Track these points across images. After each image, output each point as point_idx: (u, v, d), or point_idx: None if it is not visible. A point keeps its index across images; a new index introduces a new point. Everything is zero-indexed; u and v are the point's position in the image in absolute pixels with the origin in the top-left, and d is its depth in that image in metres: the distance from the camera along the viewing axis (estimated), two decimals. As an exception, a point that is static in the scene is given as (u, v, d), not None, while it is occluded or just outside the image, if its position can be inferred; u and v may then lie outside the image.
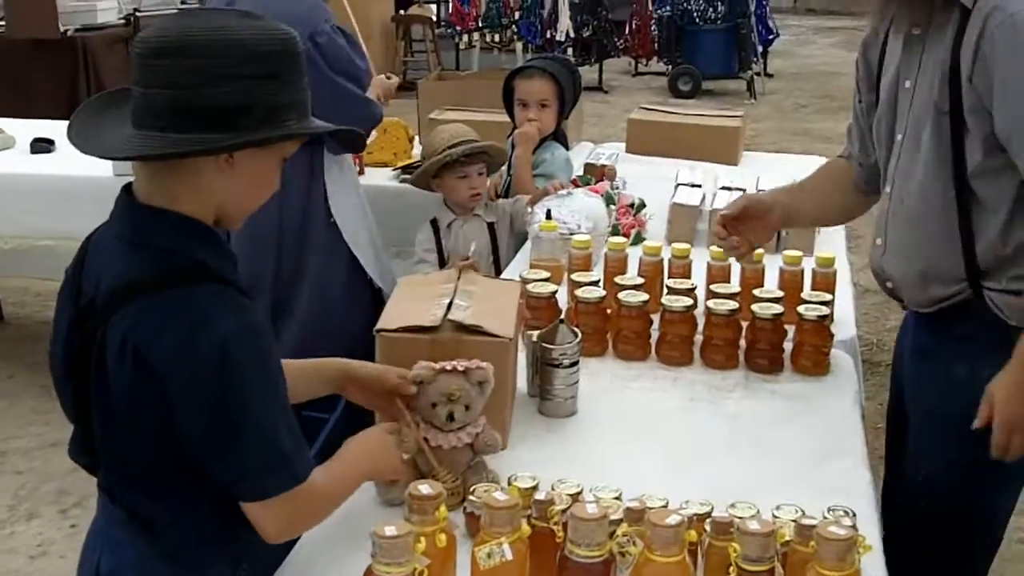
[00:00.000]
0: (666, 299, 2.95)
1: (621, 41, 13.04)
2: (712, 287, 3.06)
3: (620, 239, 3.40)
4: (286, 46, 1.89)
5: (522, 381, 2.73)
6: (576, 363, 2.63)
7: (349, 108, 3.86)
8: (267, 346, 1.90)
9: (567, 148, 4.64)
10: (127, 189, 1.94)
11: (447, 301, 2.50)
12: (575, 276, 3.11)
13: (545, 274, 3.11)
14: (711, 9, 12.28)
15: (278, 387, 1.90)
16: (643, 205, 4.01)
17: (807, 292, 3.05)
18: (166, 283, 1.85)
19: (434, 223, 4.31)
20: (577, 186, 3.99)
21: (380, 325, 2.45)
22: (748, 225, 2.95)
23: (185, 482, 1.91)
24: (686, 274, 3.18)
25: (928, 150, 2.57)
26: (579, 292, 2.97)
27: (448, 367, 2.25)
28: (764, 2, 13.09)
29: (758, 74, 12.68)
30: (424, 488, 1.92)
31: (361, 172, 4.91)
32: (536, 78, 4.43)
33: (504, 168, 4.47)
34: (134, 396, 1.86)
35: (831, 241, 3.88)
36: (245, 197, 1.96)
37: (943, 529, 2.73)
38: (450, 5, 13.35)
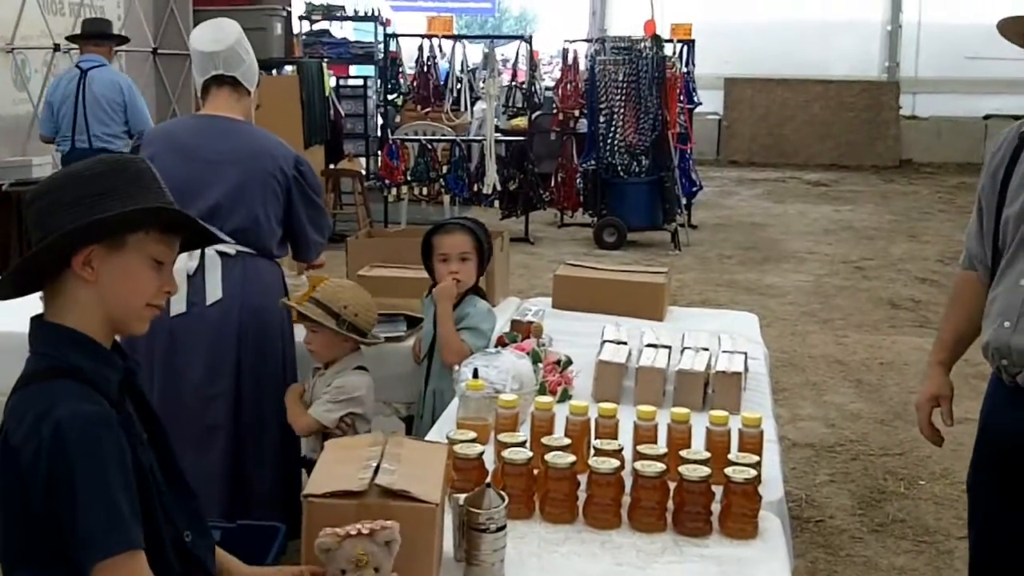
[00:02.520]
0: (593, 461, 2.94)
1: (547, 193, 13.22)
2: (639, 448, 3.07)
3: (547, 398, 3.41)
4: (111, 167, 2.29)
5: (448, 544, 2.70)
6: (503, 527, 2.60)
7: (323, 222, 4.61)
8: (100, 434, 2.14)
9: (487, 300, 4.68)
10: (39, 314, 2.32)
11: (374, 464, 2.49)
12: (502, 437, 3.10)
13: (472, 434, 3.09)
14: (635, 163, 12.46)
15: (109, 471, 2.12)
16: (569, 362, 4.03)
17: (734, 453, 3.06)
18: (37, 378, 2.21)
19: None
20: (504, 344, 4.01)
21: (307, 491, 2.45)
22: None
23: (43, 561, 2.16)
24: (613, 434, 3.18)
25: None
26: (506, 453, 2.95)
27: (352, 531, 2.25)
28: (688, 155, 13.37)
29: (682, 225, 12.85)
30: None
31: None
32: (456, 232, 4.49)
33: (426, 327, 4.51)
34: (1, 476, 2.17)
35: (757, 397, 3.91)
36: (120, 296, 2.29)
37: None
38: (379, 159, 13.49)
